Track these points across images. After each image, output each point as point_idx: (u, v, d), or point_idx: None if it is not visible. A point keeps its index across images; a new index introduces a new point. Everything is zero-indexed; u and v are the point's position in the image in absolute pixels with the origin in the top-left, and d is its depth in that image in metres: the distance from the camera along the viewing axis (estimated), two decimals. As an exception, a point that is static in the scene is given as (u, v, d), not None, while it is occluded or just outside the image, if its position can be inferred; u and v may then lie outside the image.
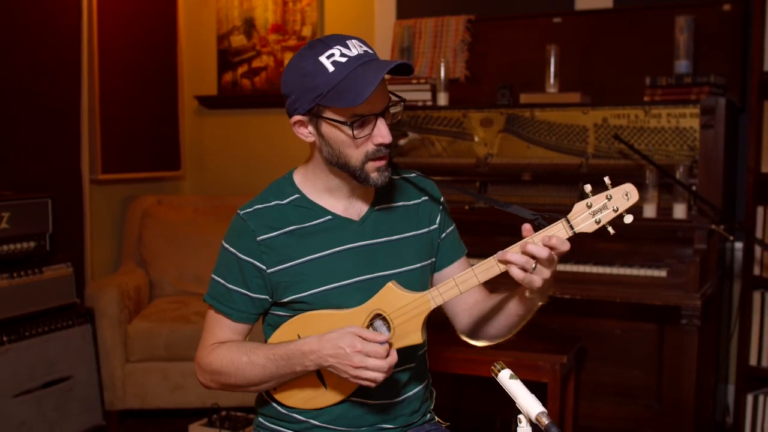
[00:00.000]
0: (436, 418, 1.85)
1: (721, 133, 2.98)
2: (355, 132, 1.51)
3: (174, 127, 4.61)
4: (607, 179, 1.45)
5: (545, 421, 1.24)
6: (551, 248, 1.44)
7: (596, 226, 1.45)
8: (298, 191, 1.66)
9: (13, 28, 3.58)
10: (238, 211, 1.65)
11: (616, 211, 1.44)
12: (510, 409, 1.34)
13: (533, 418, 1.27)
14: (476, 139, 3.43)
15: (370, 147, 1.53)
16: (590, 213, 1.45)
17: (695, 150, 3.06)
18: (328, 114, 1.53)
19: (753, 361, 3.18)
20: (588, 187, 1.46)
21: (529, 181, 3.29)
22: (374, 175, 1.56)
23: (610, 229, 1.46)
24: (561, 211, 3.35)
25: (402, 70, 1.53)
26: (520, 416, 1.30)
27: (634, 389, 3.28)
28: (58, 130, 3.84)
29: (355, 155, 1.54)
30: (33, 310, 3.30)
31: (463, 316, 1.76)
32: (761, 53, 3.10)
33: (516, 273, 1.46)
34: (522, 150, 3.36)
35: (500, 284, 1.58)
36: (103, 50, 4.04)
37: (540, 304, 1.59)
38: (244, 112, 4.62)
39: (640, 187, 2.98)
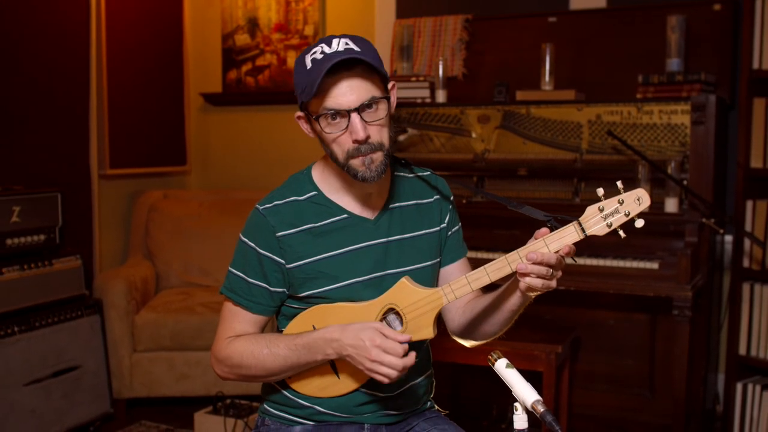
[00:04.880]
0: (436, 406, 1.88)
1: (712, 129, 3.01)
2: (324, 126, 1.54)
3: (180, 124, 4.66)
4: (619, 183, 1.47)
5: (540, 408, 1.28)
6: (540, 262, 1.46)
7: (607, 230, 1.47)
8: (316, 188, 1.68)
9: (23, 27, 3.62)
10: (257, 206, 1.67)
11: (627, 215, 1.45)
12: (506, 397, 1.36)
13: (529, 406, 1.31)
14: (473, 135, 3.48)
15: (349, 144, 1.54)
16: (602, 216, 1.47)
17: (686, 146, 3.09)
18: (310, 109, 1.57)
19: (742, 351, 3.20)
20: (600, 191, 1.47)
21: (525, 176, 3.34)
22: (361, 170, 1.56)
23: (621, 233, 1.47)
24: (557, 206, 3.40)
25: (363, 64, 1.51)
26: (517, 404, 1.33)
27: (627, 378, 3.32)
28: (67, 126, 3.89)
29: (339, 151, 1.57)
30: (43, 301, 3.32)
31: (455, 314, 1.78)
32: (750, 51, 3.12)
33: (534, 282, 1.48)
34: (518, 146, 3.40)
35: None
36: (111, 49, 4.09)
37: (532, 297, 1.59)
38: (248, 108, 4.67)
39: (633, 181, 3.05)
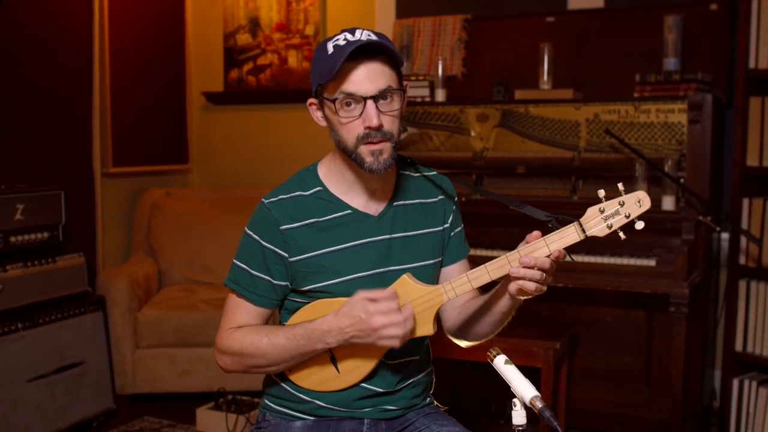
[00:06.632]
0: (435, 402, 1.89)
1: (708, 128, 3.04)
2: (339, 110, 1.56)
3: (182, 122, 4.69)
4: (620, 185, 1.47)
5: (539, 404, 1.30)
6: (533, 266, 1.48)
7: (608, 231, 1.48)
8: (321, 184, 1.70)
9: (25, 27, 3.65)
10: (263, 200, 1.69)
11: (628, 217, 1.46)
12: (505, 393, 1.38)
13: (527, 402, 1.32)
14: (473, 133, 3.51)
15: (361, 130, 1.56)
16: (602, 218, 1.47)
17: (683, 144, 3.11)
18: (325, 94, 1.59)
19: (738, 347, 3.22)
20: (601, 192, 1.48)
21: (524, 174, 3.36)
22: (369, 160, 1.57)
23: (621, 234, 1.48)
24: (555, 203, 3.43)
25: (386, 51, 1.56)
26: (515, 400, 1.35)
27: (625, 374, 3.34)
28: (70, 125, 3.92)
29: (349, 137, 1.58)
30: (46, 298, 3.34)
31: (452, 313, 1.79)
32: (746, 51, 3.13)
33: (527, 285, 1.50)
34: (517, 144, 3.42)
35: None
36: (114, 48, 4.11)
37: (521, 300, 1.60)
38: (249, 107, 4.70)
39: (630, 180, 3.07)
